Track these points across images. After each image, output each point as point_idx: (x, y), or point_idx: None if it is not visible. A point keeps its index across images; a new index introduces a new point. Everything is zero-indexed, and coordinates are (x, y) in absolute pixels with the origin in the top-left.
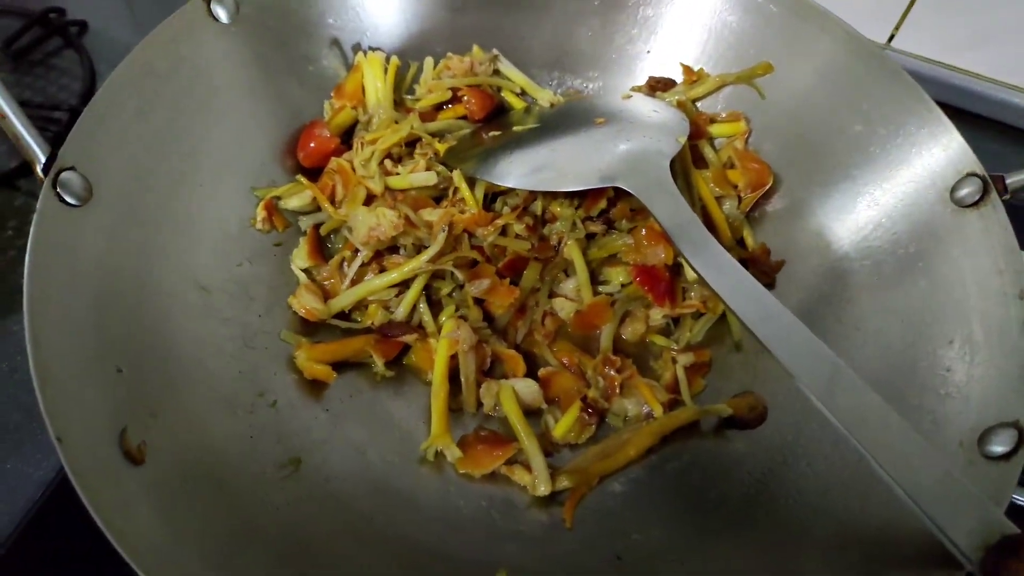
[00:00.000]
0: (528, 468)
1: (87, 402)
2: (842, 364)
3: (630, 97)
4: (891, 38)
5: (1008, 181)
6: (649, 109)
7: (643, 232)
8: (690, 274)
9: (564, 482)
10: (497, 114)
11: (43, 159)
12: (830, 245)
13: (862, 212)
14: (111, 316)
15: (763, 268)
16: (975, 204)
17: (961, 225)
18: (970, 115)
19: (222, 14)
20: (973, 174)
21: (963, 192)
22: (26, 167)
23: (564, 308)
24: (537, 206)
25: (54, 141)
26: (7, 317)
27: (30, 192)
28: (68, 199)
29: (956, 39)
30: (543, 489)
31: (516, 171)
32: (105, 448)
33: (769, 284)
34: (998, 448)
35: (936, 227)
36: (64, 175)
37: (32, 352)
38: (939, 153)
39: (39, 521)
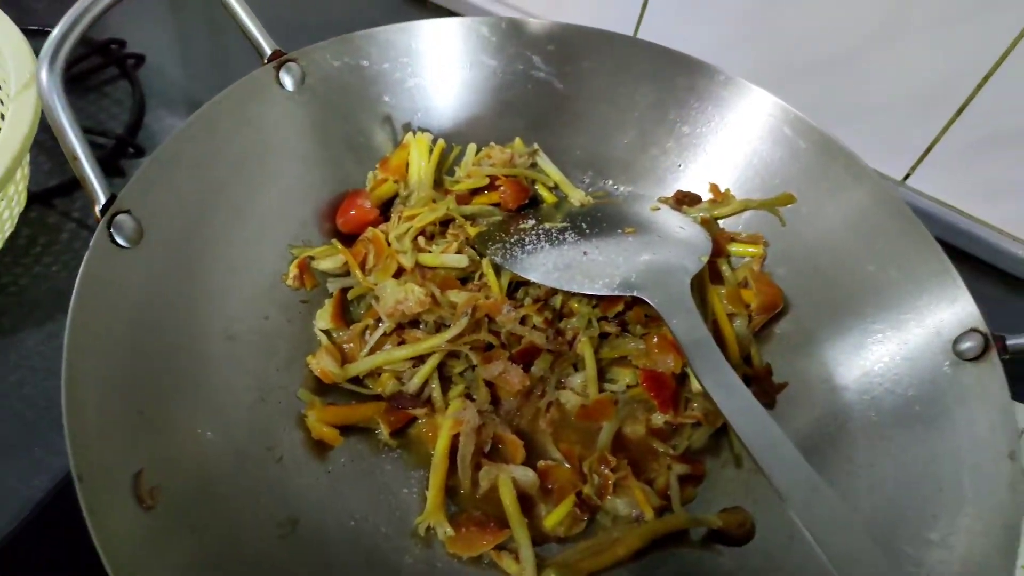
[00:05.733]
0: (516, 556)
1: (110, 442)
2: (840, 500)
3: (658, 209)
4: (907, 176)
5: (1009, 342)
6: (676, 224)
7: (655, 339)
8: (695, 385)
9: (551, 575)
10: (529, 206)
11: (103, 201)
12: (832, 375)
13: (867, 348)
14: (143, 358)
15: (765, 387)
16: (975, 359)
17: (960, 377)
18: (971, 258)
19: (288, 82)
20: (976, 330)
21: (965, 346)
22: (64, 187)
23: (570, 400)
24: (557, 300)
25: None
26: (23, 330)
27: (64, 212)
28: (120, 240)
29: (967, 186)
30: None
31: (542, 267)
32: (121, 490)
33: (769, 404)
34: None
35: (936, 375)
36: (119, 217)
37: (66, 386)
38: (946, 305)
39: (26, 538)
